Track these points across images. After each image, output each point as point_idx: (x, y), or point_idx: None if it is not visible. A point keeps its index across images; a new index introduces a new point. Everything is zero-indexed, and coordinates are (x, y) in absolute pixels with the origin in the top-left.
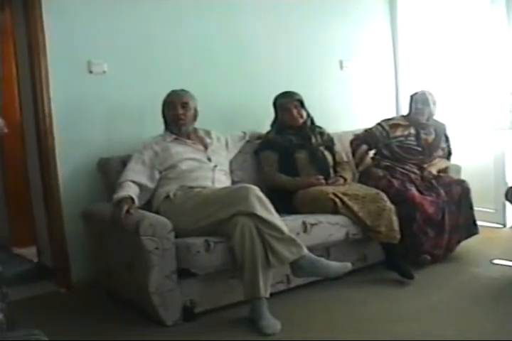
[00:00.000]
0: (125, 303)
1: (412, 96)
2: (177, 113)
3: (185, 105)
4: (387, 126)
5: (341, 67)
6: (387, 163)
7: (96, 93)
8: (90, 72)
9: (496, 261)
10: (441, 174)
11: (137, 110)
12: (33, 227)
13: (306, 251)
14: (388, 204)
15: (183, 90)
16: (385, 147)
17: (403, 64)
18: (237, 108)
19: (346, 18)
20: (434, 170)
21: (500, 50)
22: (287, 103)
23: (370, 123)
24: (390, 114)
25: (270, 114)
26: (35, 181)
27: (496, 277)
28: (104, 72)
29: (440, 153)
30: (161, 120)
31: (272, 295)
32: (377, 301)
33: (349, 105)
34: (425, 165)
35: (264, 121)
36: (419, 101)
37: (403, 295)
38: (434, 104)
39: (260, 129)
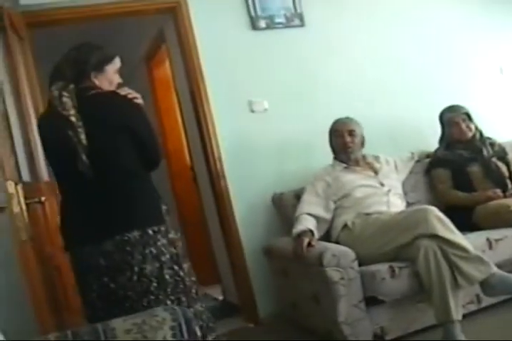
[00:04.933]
0: (314, 334)
1: None
2: (345, 141)
3: (351, 132)
4: None
5: (501, 72)
6: None
7: (260, 131)
8: (252, 111)
9: None
10: None
11: (303, 143)
12: (216, 266)
13: (495, 268)
14: None
15: (347, 118)
16: None
17: None
18: (402, 128)
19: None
20: None
21: None
22: (455, 117)
23: None
24: None
25: (435, 131)
26: (213, 221)
27: None
28: (266, 109)
29: None
30: (328, 150)
31: (463, 316)
32: None
33: None
34: None
35: (429, 139)
36: None
37: None
38: None
39: (427, 147)
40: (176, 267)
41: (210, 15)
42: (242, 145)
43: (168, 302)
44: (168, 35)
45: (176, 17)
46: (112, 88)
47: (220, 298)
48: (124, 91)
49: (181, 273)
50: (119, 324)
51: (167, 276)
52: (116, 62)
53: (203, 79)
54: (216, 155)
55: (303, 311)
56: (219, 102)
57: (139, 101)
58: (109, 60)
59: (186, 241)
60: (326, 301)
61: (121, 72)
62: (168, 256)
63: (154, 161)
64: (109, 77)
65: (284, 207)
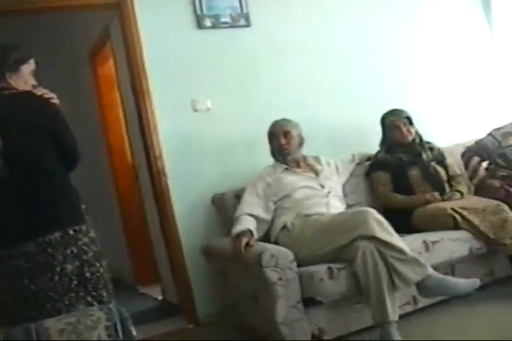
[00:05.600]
0: (253, 335)
1: None
2: (280, 143)
3: (287, 134)
4: (499, 135)
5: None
6: (503, 173)
7: (202, 130)
8: (195, 110)
9: None
10: None
11: (245, 143)
12: (156, 266)
13: (431, 270)
14: (511, 214)
15: (284, 119)
16: (499, 157)
17: None
18: (344, 130)
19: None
20: None
21: None
22: (396, 121)
23: (481, 133)
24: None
25: (376, 134)
26: (153, 220)
27: None
28: (209, 109)
29: None
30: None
31: (399, 317)
32: None
33: (457, 116)
34: None
35: (371, 142)
36: None
37: None
38: None
39: (368, 150)
40: (97, 264)
41: (156, 13)
42: (185, 144)
43: (89, 298)
44: (113, 31)
45: (120, 13)
46: (27, 89)
47: (160, 297)
48: (40, 91)
49: (101, 270)
50: (53, 323)
51: (88, 274)
52: (31, 64)
53: (146, 77)
54: (157, 153)
55: (242, 311)
56: (162, 101)
57: (55, 101)
58: (24, 60)
59: (127, 239)
60: (265, 301)
61: (66, 67)
62: (90, 254)
63: (73, 161)
64: (25, 78)
65: (224, 207)
